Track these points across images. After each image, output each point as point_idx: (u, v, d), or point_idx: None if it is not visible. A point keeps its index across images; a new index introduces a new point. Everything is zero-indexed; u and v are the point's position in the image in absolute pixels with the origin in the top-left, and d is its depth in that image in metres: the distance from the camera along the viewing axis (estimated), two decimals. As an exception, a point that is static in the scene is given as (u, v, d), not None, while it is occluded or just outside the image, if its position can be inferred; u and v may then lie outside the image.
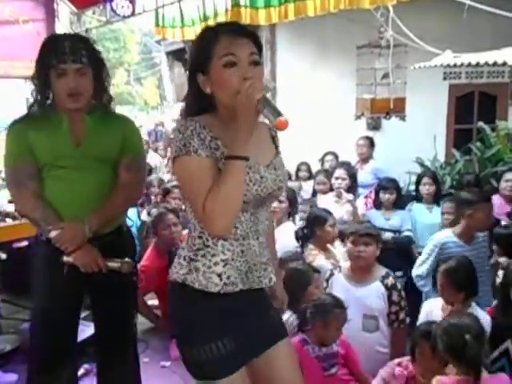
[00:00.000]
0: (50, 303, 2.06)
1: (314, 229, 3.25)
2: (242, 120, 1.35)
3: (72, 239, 1.98)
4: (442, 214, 3.56)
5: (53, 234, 1.98)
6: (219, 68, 1.39)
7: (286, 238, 3.35)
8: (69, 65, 1.95)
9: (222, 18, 4.78)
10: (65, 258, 2.01)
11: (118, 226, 2.17)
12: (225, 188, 1.33)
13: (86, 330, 2.80)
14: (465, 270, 2.49)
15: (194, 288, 1.44)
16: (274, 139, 1.62)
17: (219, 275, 1.43)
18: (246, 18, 4.32)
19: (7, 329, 3.35)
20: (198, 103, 1.48)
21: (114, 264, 2.06)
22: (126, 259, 2.09)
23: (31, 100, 2.07)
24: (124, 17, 5.38)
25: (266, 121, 1.40)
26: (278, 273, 1.77)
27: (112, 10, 5.29)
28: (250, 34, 1.44)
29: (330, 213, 3.32)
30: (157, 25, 5.54)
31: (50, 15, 5.34)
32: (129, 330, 2.28)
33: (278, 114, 1.31)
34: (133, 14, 5.30)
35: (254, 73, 1.40)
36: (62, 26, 5.46)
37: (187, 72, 1.50)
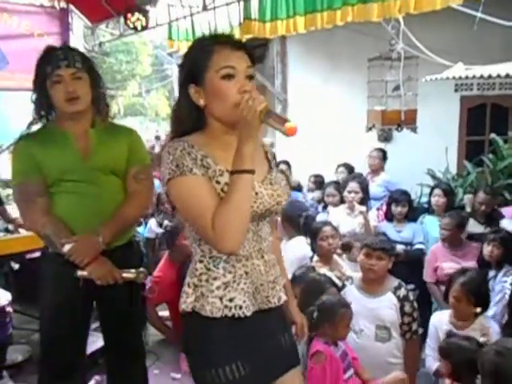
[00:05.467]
0: (60, 317, 2.04)
1: (312, 242, 3.26)
2: (245, 133, 1.31)
3: (87, 252, 1.96)
4: (441, 228, 3.43)
5: (67, 247, 1.95)
6: (217, 80, 1.35)
7: (298, 251, 3.35)
8: (63, 70, 1.95)
9: (235, 32, 4.84)
10: (79, 273, 1.98)
11: (128, 239, 2.18)
12: (234, 203, 1.29)
13: (96, 341, 2.80)
14: (483, 283, 2.53)
15: (201, 315, 1.39)
16: (267, 154, 1.57)
17: (220, 298, 1.38)
18: (257, 30, 4.38)
19: (19, 339, 3.35)
20: (188, 117, 1.42)
21: (129, 275, 2.05)
22: (141, 269, 2.09)
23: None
24: (137, 30, 5.45)
25: (272, 132, 1.38)
26: (290, 293, 1.70)
27: (125, 23, 5.37)
28: (245, 47, 1.42)
29: (327, 224, 3.28)
30: (170, 38, 5.63)
31: (65, 29, 5.44)
32: (137, 341, 2.28)
33: (285, 120, 1.29)
34: (146, 27, 5.37)
35: (250, 86, 1.37)
36: (76, 40, 5.54)
37: (178, 83, 1.44)
